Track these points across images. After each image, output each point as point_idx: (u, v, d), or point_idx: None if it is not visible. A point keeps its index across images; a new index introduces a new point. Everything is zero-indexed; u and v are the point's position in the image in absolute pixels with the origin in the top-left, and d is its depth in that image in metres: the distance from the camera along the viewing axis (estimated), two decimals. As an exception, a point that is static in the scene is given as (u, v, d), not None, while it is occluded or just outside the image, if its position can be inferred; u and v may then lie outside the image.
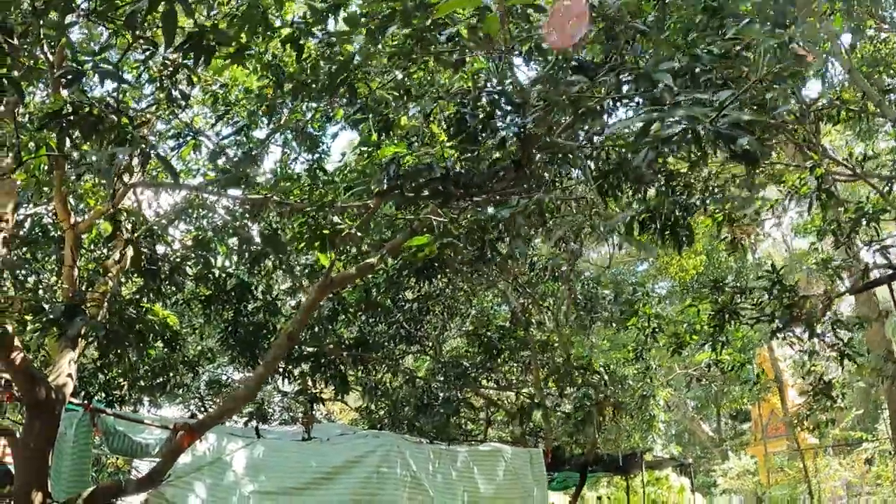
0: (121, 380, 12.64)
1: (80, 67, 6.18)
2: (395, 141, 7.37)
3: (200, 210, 10.26)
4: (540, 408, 13.81)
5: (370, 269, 8.12)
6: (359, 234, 6.74)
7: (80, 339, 8.66)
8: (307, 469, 10.26)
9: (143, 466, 15.03)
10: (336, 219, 6.78)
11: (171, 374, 12.90)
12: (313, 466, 10.26)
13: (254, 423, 11.67)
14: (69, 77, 6.27)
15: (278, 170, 9.28)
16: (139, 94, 9.97)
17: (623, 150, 7.27)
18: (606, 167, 7.46)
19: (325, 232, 6.60)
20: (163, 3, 5.25)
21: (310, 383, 12.51)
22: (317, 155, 9.59)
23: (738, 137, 4.27)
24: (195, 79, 7.92)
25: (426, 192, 6.62)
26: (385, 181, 6.71)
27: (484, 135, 6.70)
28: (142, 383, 12.93)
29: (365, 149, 7.84)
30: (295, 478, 10.07)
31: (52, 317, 6.30)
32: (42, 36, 7.05)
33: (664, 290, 27.73)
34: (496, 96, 6.83)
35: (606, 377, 12.92)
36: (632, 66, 6.10)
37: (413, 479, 10.79)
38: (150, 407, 14.87)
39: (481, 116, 6.45)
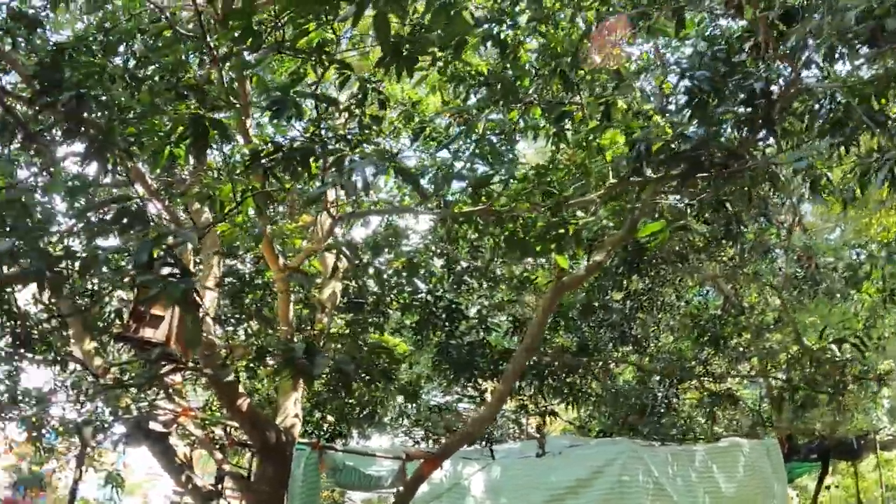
0: (329, 416, 12.67)
1: (281, 98, 5.95)
2: (622, 123, 6.83)
3: (399, 236, 10.03)
4: (798, 392, 12.87)
5: (598, 268, 7.63)
6: (611, 224, 6.26)
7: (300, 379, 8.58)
8: (545, 485, 9.82)
9: (355, 496, 15.05)
10: (580, 213, 6.34)
11: (380, 405, 12.82)
12: (552, 482, 9.80)
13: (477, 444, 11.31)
14: (274, 110, 6.05)
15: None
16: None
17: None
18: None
19: (562, 232, 6.15)
20: (371, 7, 4.91)
21: (525, 397, 12.16)
22: (506, 165, 9.15)
23: None
24: (387, 102, 7.68)
25: (676, 169, 6.08)
26: (631, 162, 6.21)
27: (716, 100, 6.14)
28: (349, 417, 12.91)
29: (581, 138, 7.31)
30: (536, 496, 9.66)
31: (290, 357, 6.07)
32: (225, 83, 6.92)
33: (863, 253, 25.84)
34: (719, 55, 6.26)
35: (858, 350, 11.85)
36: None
37: (655, 486, 10.13)
38: (359, 439, 14.87)
39: (716, 79, 5.88)
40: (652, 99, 7.31)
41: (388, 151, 8.25)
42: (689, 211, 8.39)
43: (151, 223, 6.09)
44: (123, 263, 8.96)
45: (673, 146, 6.02)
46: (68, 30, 10.83)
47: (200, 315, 7.16)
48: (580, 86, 6.98)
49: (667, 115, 6.85)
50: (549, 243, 6.25)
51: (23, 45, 8.76)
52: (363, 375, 6.95)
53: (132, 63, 8.09)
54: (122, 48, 8.26)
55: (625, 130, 6.67)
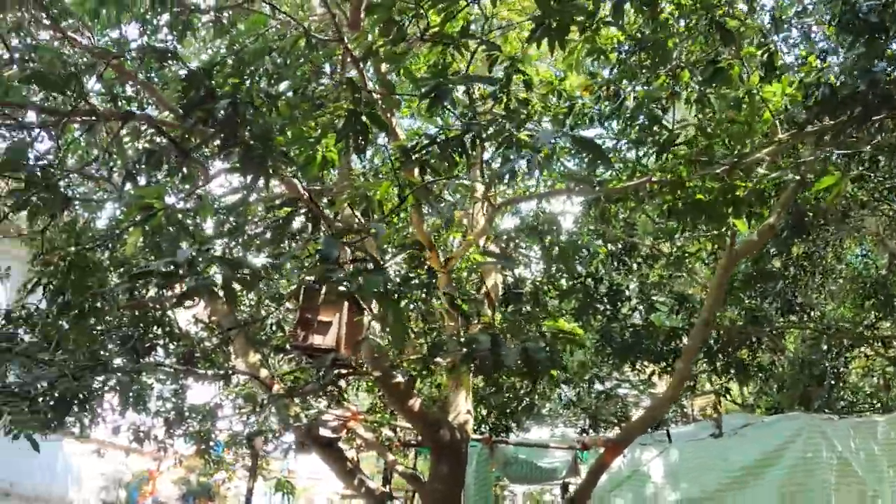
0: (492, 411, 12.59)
1: (439, 86, 5.81)
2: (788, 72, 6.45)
3: (554, 223, 9.82)
4: None
5: (771, 233, 7.23)
6: (797, 177, 5.88)
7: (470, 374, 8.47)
8: (722, 466, 9.40)
9: (516, 489, 14.82)
10: (762, 169, 5.99)
11: (540, 396, 12.67)
12: (730, 462, 9.38)
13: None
14: (432, 97, 5.92)
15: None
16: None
17: None
18: None
19: (737, 194, 5.81)
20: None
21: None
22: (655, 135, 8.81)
23: None
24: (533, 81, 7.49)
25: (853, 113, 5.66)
26: (814, 108, 5.82)
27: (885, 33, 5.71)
28: (508, 410, 12.78)
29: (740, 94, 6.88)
30: (717, 478, 9.24)
31: (473, 350, 5.93)
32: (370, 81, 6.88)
33: None
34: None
35: None
36: None
37: (840, 461, 9.51)
38: (518, 432, 14.72)
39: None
40: (805, 42, 6.87)
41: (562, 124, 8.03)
42: (851, 162, 7.86)
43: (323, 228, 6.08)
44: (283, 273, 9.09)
45: (846, 89, 5.60)
46: (195, 62, 11.10)
47: (366, 320, 7.16)
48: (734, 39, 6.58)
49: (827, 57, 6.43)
50: (724, 207, 5.92)
51: (155, 78, 9.01)
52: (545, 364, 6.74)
53: (264, 82, 8.16)
54: (252, 69, 8.35)
55: (796, 80, 6.28)
